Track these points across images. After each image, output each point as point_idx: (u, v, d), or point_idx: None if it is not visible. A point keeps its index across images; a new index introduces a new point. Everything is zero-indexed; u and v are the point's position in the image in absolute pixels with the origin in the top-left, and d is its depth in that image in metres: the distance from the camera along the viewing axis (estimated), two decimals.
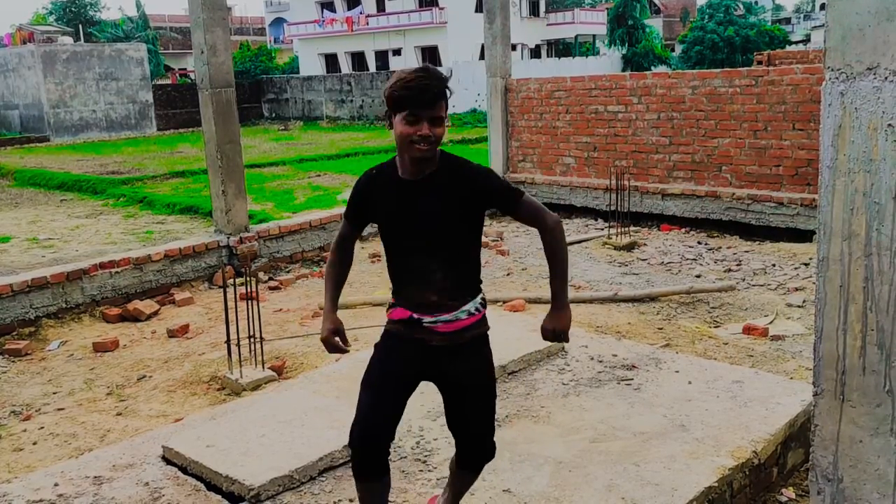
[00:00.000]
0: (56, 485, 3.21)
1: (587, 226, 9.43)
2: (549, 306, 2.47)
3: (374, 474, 2.45)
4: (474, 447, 2.56)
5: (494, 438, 2.59)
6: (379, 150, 18.62)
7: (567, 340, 2.47)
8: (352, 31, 43.15)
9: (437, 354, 2.42)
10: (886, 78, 1.54)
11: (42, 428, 4.42)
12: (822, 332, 1.73)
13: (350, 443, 2.44)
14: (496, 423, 3.54)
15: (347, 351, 2.60)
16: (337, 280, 2.61)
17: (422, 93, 2.21)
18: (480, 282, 2.49)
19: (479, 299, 2.44)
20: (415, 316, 2.40)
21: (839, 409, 1.72)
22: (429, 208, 2.33)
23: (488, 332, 2.51)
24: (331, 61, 45.17)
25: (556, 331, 2.43)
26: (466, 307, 2.39)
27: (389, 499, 2.99)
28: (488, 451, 2.59)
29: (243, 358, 4.81)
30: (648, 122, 9.19)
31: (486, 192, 2.36)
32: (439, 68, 2.35)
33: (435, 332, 2.39)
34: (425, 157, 2.30)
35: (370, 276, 7.35)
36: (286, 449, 3.27)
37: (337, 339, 2.54)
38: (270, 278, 7.40)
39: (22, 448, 4.19)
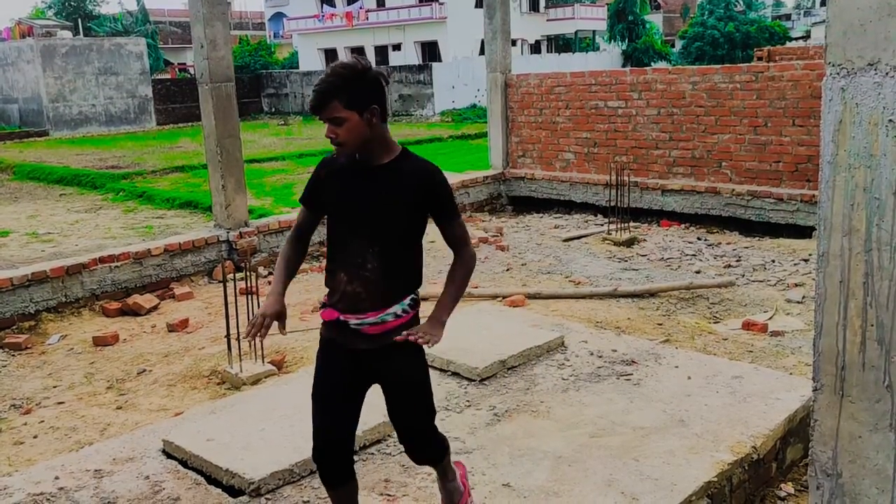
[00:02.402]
0: (57, 478, 3.22)
1: (587, 221, 9.43)
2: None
3: (339, 482, 2.53)
4: (411, 443, 2.58)
5: (439, 434, 2.61)
6: None
7: (430, 346, 2.37)
8: (351, 25, 43.03)
9: (369, 358, 2.43)
10: (887, 73, 1.54)
11: (42, 421, 4.42)
12: (822, 328, 1.73)
13: (312, 455, 2.51)
14: (496, 416, 3.55)
15: (281, 331, 2.51)
16: (289, 267, 2.56)
17: (314, 98, 2.27)
18: (418, 283, 2.48)
19: (408, 301, 2.43)
20: (341, 318, 2.40)
21: (838, 404, 1.73)
22: (375, 194, 2.36)
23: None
24: (330, 56, 45.05)
25: (428, 336, 2.36)
26: (393, 309, 2.38)
27: (389, 493, 3.01)
28: (429, 449, 2.60)
29: (243, 352, 4.82)
30: (648, 118, 9.18)
31: (432, 192, 2.38)
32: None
33: (360, 334, 2.40)
34: (346, 154, 2.34)
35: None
36: (286, 443, 3.28)
37: (271, 320, 2.45)
38: (270, 273, 7.41)
39: (22, 441, 4.19)
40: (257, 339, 2.53)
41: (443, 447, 2.63)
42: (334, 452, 2.48)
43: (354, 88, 2.25)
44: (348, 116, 2.26)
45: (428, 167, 2.40)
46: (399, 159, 2.39)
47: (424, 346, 2.41)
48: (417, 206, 2.38)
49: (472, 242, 2.52)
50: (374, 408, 2.76)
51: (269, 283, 7.02)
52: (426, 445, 2.59)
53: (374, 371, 2.47)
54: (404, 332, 2.36)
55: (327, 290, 2.47)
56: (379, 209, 2.36)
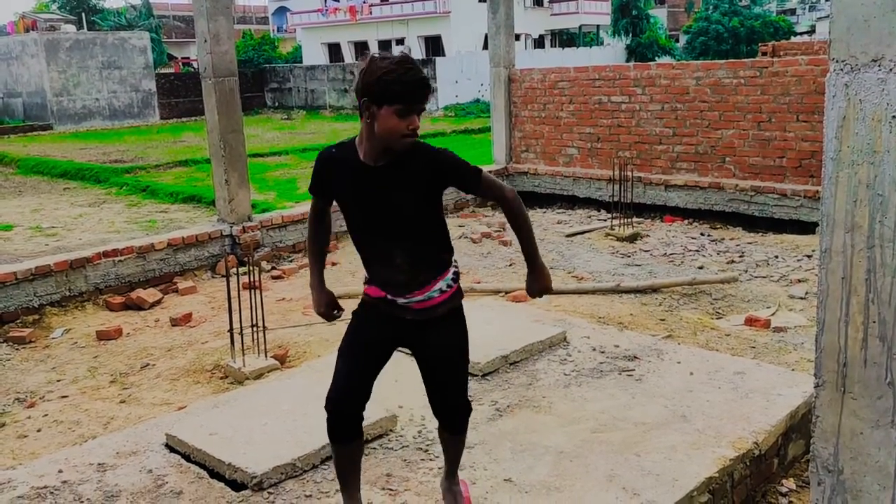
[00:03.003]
0: (60, 471, 3.23)
1: (590, 217, 9.43)
2: (550, 297, 2.51)
3: (348, 437, 2.55)
4: (448, 412, 2.64)
5: (470, 404, 2.69)
6: None
7: (552, 292, 2.55)
8: (355, 20, 42.98)
9: (412, 327, 2.48)
10: (891, 69, 1.53)
11: (46, 415, 4.44)
12: (824, 324, 1.73)
13: (325, 406, 2.52)
14: (498, 411, 3.56)
15: (341, 313, 2.64)
16: (319, 253, 2.64)
17: (419, 88, 2.22)
18: (451, 254, 2.51)
19: (450, 276, 2.46)
20: (389, 297, 2.44)
21: (840, 400, 1.73)
22: (389, 196, 2.34)
23: (462, 305, 2.57)
24: (334, 50, 45.04)
25: (541, 289, 2.54)
26: (438, 286, 2.43)
27: (391, 487, 3.02)
28: (462, 412, 2.66)
29: (246, 347, 4.82)
30: (652, 113, 9.17)
31: (446, 170, 2.38)
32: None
33: (409, 309, 2.45)
34: (410, 148, 2.32)
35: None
36: (289, 437, 3.29)
37: (334, 310, 2.62)
38: (273, 267, 7.41)
39: (26, 435, 4.21)
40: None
41: (468, 418, 2.69)
42: (350, 404, 2.49)
43: None
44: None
45: (429, 153, 2.38)
46: (401, 154, 2.37)
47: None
48: (430, 191, 2.39)
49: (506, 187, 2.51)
50: (376, 402, 2.76)
51: (272, 278, 7.07)
52: (459, 413, 2.65)
53: (414, 339, 2.52)
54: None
55: (367, 272, 2.51)
56: (397, 211, 2.36)
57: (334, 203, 2.55)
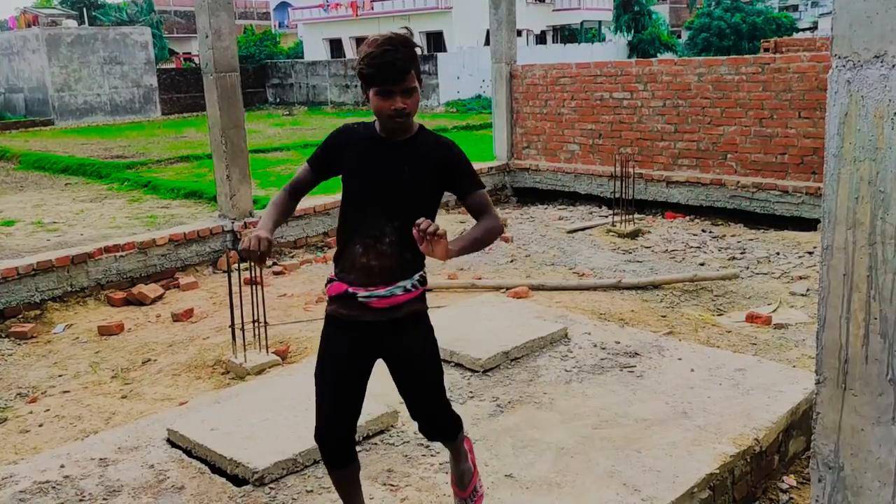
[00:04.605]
0: (62, 466, 3.24)
1: (591, 213, 9.42)
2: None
3: (342, 464, 2.53)
4: (425, 422, 2.57)
5: (454, 412, 2.60)
6: None
7: (436, 235, 2.17)
8: (356, 16, 42.91)
9: (376, 332, 2.40)
10: (894, 66, 1.53)
11: (48, 410, 4.45)
12: (825, 321, 1.73)
13: (315, 437, 2.50)
14: (499, 407, 3.56)
15: (261, 261, 2.32)
16: (279, 216, 2.48)
17: (390, 68, 2.24)
18: (424, 258, 2.44)
19: (416, 277, 2.42)
20: (350, 290, 2.37)
21: (841, 397, 1.73)
22: (398, 168, 2.37)
23: (426, 311, 2.50)
24: (335, 46, 44.98)
25: (437, 255, 2.22)
26: (403, 283, 2.38)
27: (393, 483, 3.02)
28: (444, 426, 2.59)
29: (247, 342, 4.83)
30: (654, 110, 9.15)
31: (455, 168, 2.40)
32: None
33: (368, 307, 2.37)
34: (401, 128, 2.36)
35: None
36: (290, 432, 3.29)
37: (266, 241, 2.28)
38: (275, 263, 7.42)
39: (28, 430, 4.22)
40: (256, 262, 2.32)
41: (456, 423, 2.62)
42: (336, 433, 2.47)
43: (418, 59, 2.31)
44: (417, 87, 2.32)
45: (446, 142, 2.44)
46: (418, 135, 2.41)
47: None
48: (437, 181, 2.40)
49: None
50: (377, 398, 2.77)
51: (274, 273, 7.07)
52: (438, 420, 2.58)
53: (380, 346, 2.44)
54: (423, 221, 2.19)
55: (336, 262, 2.45)
56: (402, 184, 2.37)
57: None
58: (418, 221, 2.17)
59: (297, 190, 2.55)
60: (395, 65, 2.23)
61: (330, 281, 2.46)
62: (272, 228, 2.40)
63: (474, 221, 2.47)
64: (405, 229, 2.29)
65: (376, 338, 2.42)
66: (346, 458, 2.52)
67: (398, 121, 2.32)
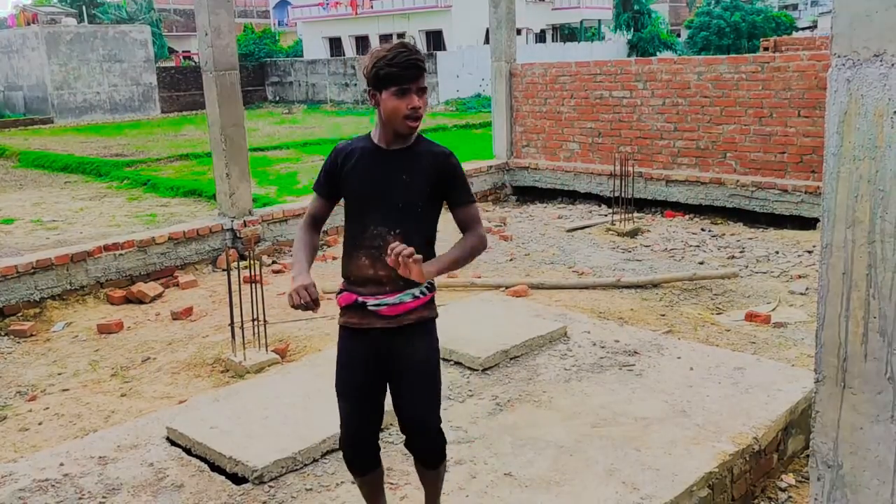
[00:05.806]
0: (61, 464, 3.24)
1: (591, 212, 9.42)
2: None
3: (367, 470, 2.59)
4: (416, 435, 2.51)
5: (443, 433, 2.55)
6: None
7: (410, 259, 2.18)
8: (356, 14, 42.87)
9: (385, 339, 2.42)
10: (893, 64, 1.53)
11: (47, 408, 4.45)
12: (824, 319, 1.73)
13: (340, 447, 2.58)
14: (498, 406, 3.55)
15: (315, 307, 2.39)
16: (309, 254, 2.54)
17: (408, 67, 2.32)
18: None
19: (425, 284, 2.42)
20: (359, 300, 2.41)
21: (840, 396, 1.73)
22: (397, 177, 2.40)
23: (434, 320, 2.50)
24: (335, 45, 44.94)
25: (411, 276, 2.22)
26: (411, 290, 2.40)
27: (392, 482, 3.02)
28: (433, 441, 2.53)
29: (247, 341, 4.83)
30: (653, 108, 9.15)
31: (450, 178, 2.43)
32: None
33: (379, 315, 2.41)
34: (413, 131, 2.40)
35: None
36: (289, 431, 3.29)
37: (313, 289, 2.38)
38: (274, 262, 7.42)
39: (27, 428, 4.22)
40: (305, 310, 2.42)
41: (443, 446, 2.56)
42: (362, 444, 2.55)
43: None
44: (427, 89, 2.39)
45: (443, 151, 2.47)
46: (416, 144, 2.44)
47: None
48: (435, 190, 2.42)
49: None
50: None
51: (273, 272, 7.07)
52: (428, 435, 2.52)
53: (390, 354, 2.44)
54: (396, 245, 2.20)
55: (345, 274, 2.48)
56: (401, 192, 2.39)
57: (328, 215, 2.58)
58: (392, 245, 2.20)
59: (316, 221, 2.61)
60: (413, 62, 2.32)
61: (340, 292, 2.51)
62: (308, 270, 2.48)
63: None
64: (408, 237, 2.34)
65: (388, 342, 2.44)
66: (372, 463, 2.59)
67: (413, 122, 2.36)
